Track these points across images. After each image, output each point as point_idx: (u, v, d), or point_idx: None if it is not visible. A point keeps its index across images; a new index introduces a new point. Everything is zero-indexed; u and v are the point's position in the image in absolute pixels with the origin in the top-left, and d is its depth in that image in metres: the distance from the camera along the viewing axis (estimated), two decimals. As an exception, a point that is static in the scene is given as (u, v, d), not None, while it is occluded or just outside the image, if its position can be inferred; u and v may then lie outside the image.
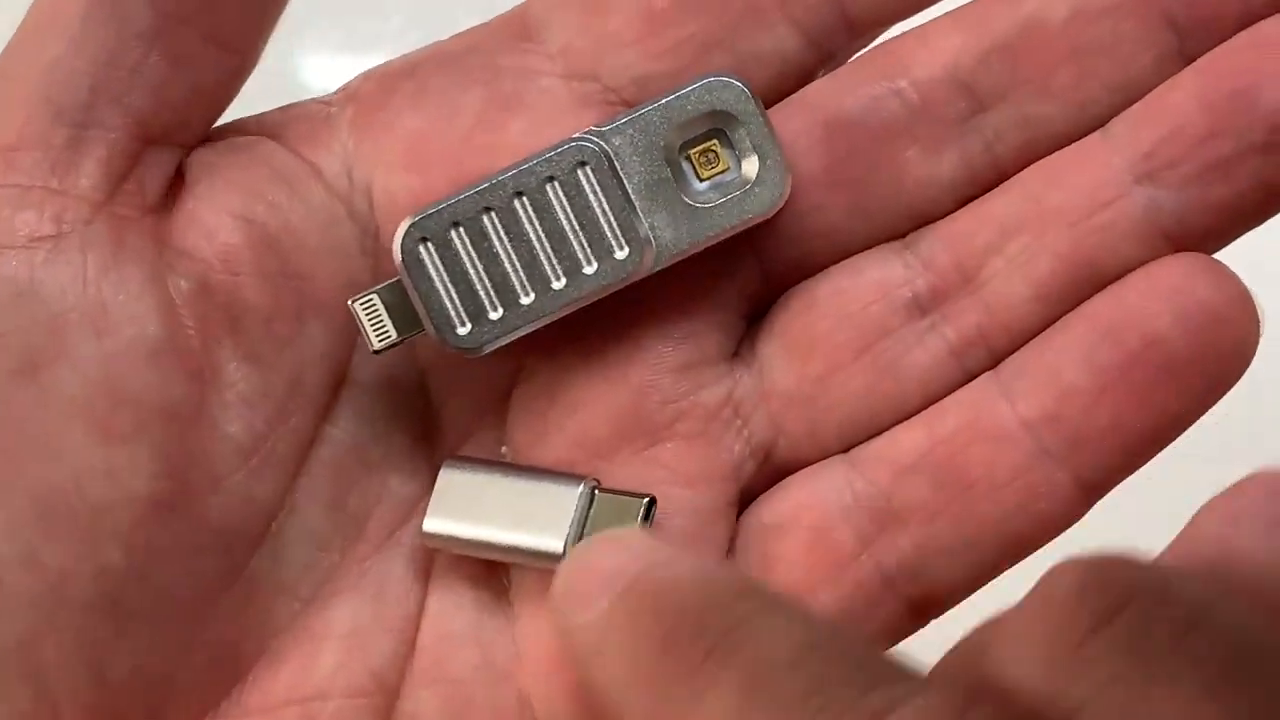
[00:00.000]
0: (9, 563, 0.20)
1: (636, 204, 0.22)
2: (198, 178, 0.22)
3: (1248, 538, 0.16)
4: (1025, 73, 0.22)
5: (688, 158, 0.22)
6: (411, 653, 0.22)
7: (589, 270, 0.22)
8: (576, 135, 0.22)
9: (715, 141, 0.22)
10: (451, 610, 0.23)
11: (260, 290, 0.21)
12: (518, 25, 0.23)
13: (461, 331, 0.21)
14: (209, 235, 0.21)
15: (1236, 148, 0.21)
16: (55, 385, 0.20)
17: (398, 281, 0.21)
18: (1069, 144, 0.22)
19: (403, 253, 0.21)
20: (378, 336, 0.21)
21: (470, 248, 0.21)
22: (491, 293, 0.22)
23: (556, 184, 0.21)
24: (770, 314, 0.23)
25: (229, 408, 0.21)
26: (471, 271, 0.21)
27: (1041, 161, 0.22)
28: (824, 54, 0.23)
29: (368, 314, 0.21)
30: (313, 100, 0.23)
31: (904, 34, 0.23)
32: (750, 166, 0.22)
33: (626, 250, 0.22)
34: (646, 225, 0.22)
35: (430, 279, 0.21)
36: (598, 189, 0.22)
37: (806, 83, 0.23)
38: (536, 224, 0.22)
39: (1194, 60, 0.22)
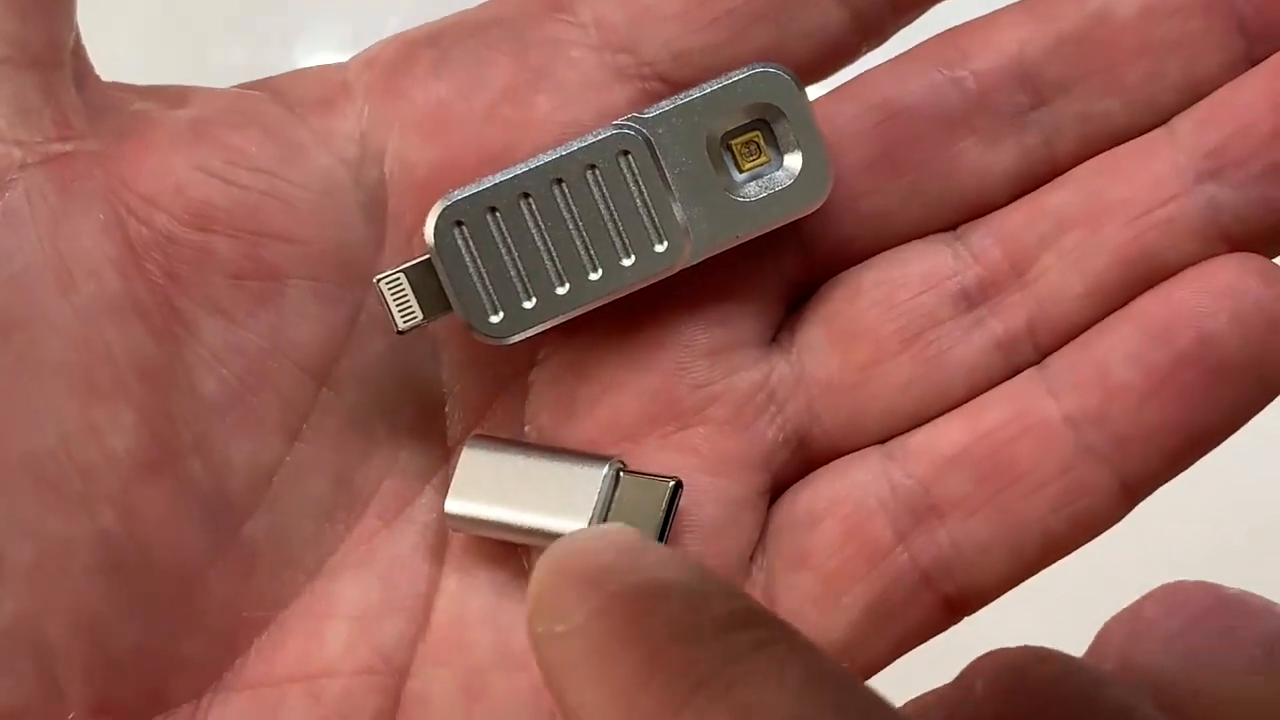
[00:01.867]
0: (9, 534, 0.20)
1: (677, 195, 0.21)
2: (174, 121, 0.21)
3: (1147, 652, 0.17)
4: (1090, 67, 0.22)
5: (729, 148, 0.22)
6: (423, 633, 0.22)
7: (627, 262, 0.21)
8: (619, 121, 0.21)
9: (758, 133, 0.22)
10: (467, 591, 0.22)
11: (233, 247, 0.21)
12: None
13: (494, 320, 0.21)
14: (178, 188, 0.21)
15: None
16: (30, 346, 0.20)
17: (427, 261, 0.21)
18: (1129, 139, 0.22)
19: (436, 234, 0.21)
20: (403, 317, 0.21)
21: (506, 234, 0.21)
22: (526, 281, 0.21)
23: (598, 172, 0.21)
24: (812, 300, 0.23)
25: (202, 364, 0.21)
26: (506, 258, 0.21)
27: (1101, 156, 0.22)
28: (869, 31, 0.22)
29: (393, 293, 0.21)
30: (329, 66, 0.23)
31: (970, 23, 0.22)
32: (793, 161, 0.22)
33: (665, 244, 0.21)
34: (685, 218, 0.21)
35: (463, 263, 0.21)
36: (639, 179, 0.21)
37: (851, 60, 0.23)
38: (575, 212, 0.21)
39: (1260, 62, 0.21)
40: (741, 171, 0.22)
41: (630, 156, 0.21)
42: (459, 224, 0.21)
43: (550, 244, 0.21)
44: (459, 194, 0.21)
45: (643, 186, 0.21)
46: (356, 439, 0.22)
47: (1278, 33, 0.21)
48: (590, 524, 0.21)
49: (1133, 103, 0.22)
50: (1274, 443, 0.27)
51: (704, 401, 0.22)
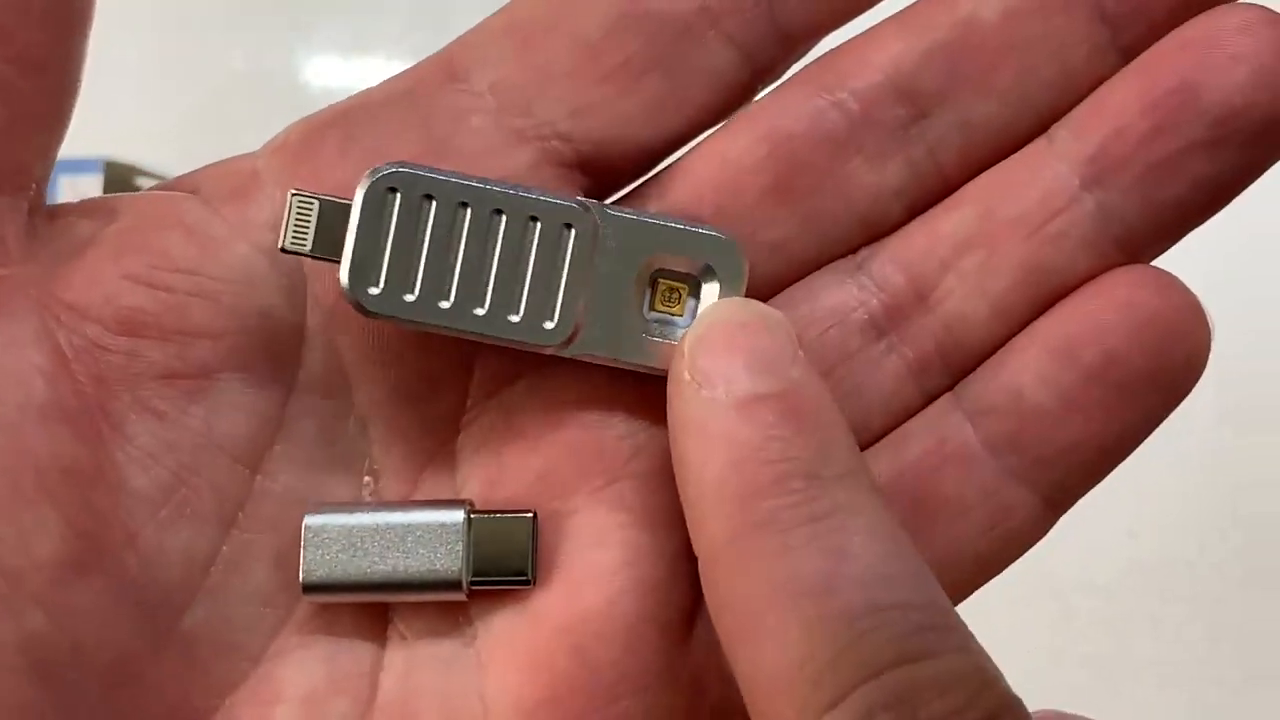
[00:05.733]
0: None
1: (591, 291, 0.21)
2: (103, 235, 0.21)
3: None
4: (963, 74, 0.22)
5: (654, 284, 0.22)
6: (370, 711, 0.22)
7: (512, 318, 0.21)
8: (582, 199, 0.21)
9: (685, 286, 0.22)
10: (412, 667, 0.22)
11: (162, 350, 0.21)
12: (446, 66, 0.22)
13: (371, 290, 0.21)
14: (108, 297, 0.21)
15: (1180, 145, 0.21)
16: None
17: (345, 205, 0.21)
18: (1011, 143, 0.22)
19: (368, 188, 0.21)
20: (293, 238, 0.21)
21: (430, 226, 0.21)
22: (420, 276, 0.21)
23: (537, 225, 0.21)
24: None
25: (133, 462, 0.21)
26: (416, 246, 0.21)
27: (989, 172, 0.22)
28: (761, 69, 0.23)
29: (299, 213, 0.21)
30: (240, 156, 0.23)
31: (844, 44, 0.23)
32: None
33: (554, 324, 0.21)
34: (584, 316, 0.21)
35: (377, 226, 0.21)
36: (567, 256, 0.21)
37: (748, 99, 0.23)
38: (498, 247, 0.21)
39: (1128, 50, 0.22)
40: (653, 309, 0.22)
41: (572, 231, 0.21)
42: (393, 190, 0.21)
43: (461, 260, 0.21)
44: (409, 166, 0.21)
45: (566, 264, 0.21)
46: (292, 523, 0.22)
47: (1141, 17, 0.22)
48: (461, 568, 0.21)
49: (1009, 104, 0.22)
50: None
51: (629, 453, 0.22)
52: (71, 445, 0.20)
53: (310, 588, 0.22)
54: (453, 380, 0.23)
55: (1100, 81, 0.22)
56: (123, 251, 0.21)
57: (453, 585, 0.21)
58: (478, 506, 0.22)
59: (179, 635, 0.21)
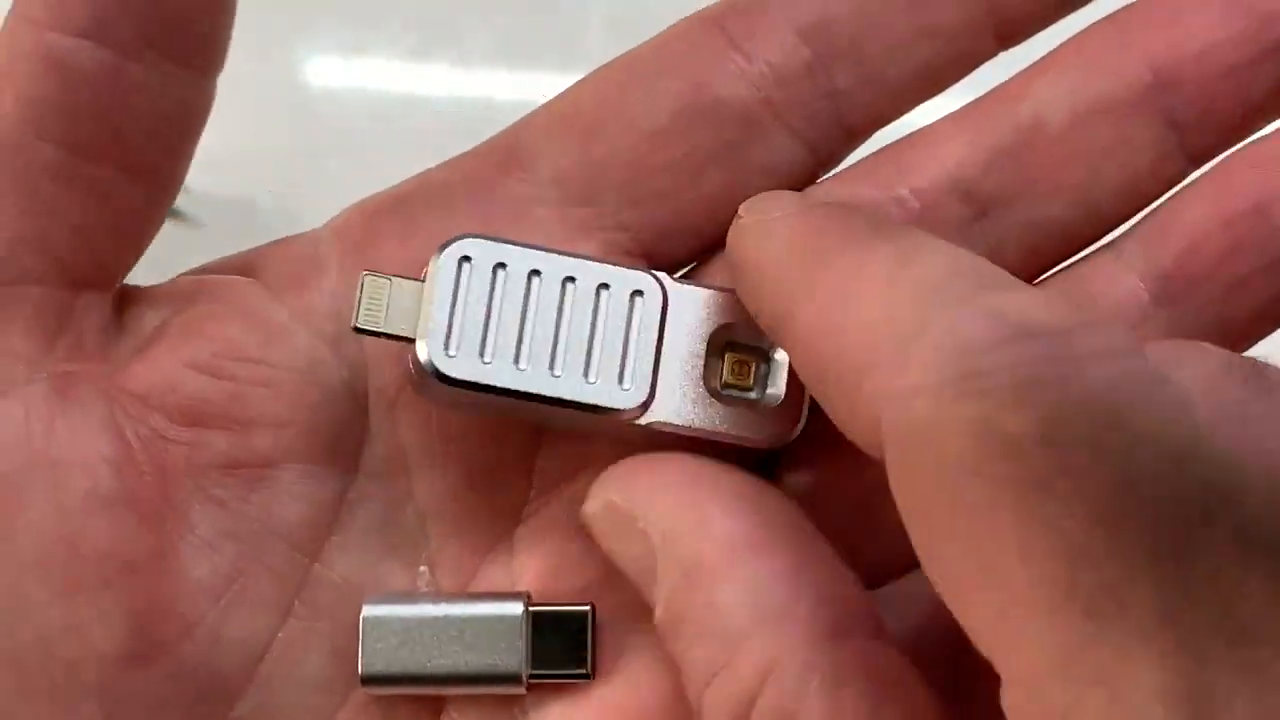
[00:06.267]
0: None
1: (662, 359, 0.21)
2: (168, 324, 0.22)
3: None
4: (1027, 178, 0.22)
5: (724, 357, 0.22)
6: None
7: (590, 382, 0.21)
8: (650, 269, 0.21)
9: (755, 360, 0.22)
10: None
11: (224, 439, 0.21)
12: (507, 153, 0.22)
13: (448, 354, 0.21)
14: (172, 387, 0.21)
15: (1256, 264, 0.21)
16: (11, 544, 0.20)
17: (418, 283, 0.21)
18: (1073, 247, 0.22)
19: (442, 257, 0.21)
20: (366, 317, 0.21)
21: (502, 294, 0.21)
22: (495, 340, 0.21)
23: (608, 294, 0.21)
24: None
25: (194, 551, 0.21)
26: (489, 313, 0.21)
27: (1054, 280, 0.22)
28: (825, 160, 0.23)
29: (372, 293, 0.21)
30: (300, 235, 0.23)
31: (905, 139, 0.23)
32: (774, 396, 0.22)
33: (631, 389, 0.21)
34: (659, 382, 0.21)
35: (451, 296, 0.21)
36: (639, 323, 0.21)
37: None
38: (570, 314, 0.21)
39: (1196, 157, 0.22)
40: (724, 385, 0.22)
41: (642, 299, 0.21)
42: (466, 259, 0.21)
43: (534, 326, 0.21)
44: (480, 236, 0.21)
45: (638, 332, 0.21)
46: (348, 611, 0.22)
47: (1209, 122, 0.22)
48: (521, 663, 0.21)
49: (1073, 208, 0.22)
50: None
51: None
52: (134, 535, 0.20)
53: (369, 680, 0.22)
54: (515, 471, 0.22)
55: (1166, 186, 0.22)
56: (186, 340, 0.21)
57: (513, 680, 0.21)
58: (535, 599, 0.22)
59: None
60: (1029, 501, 0.15)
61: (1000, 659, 0.15)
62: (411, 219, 0.22)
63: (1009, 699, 0.15)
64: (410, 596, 0.22)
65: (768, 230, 0.20)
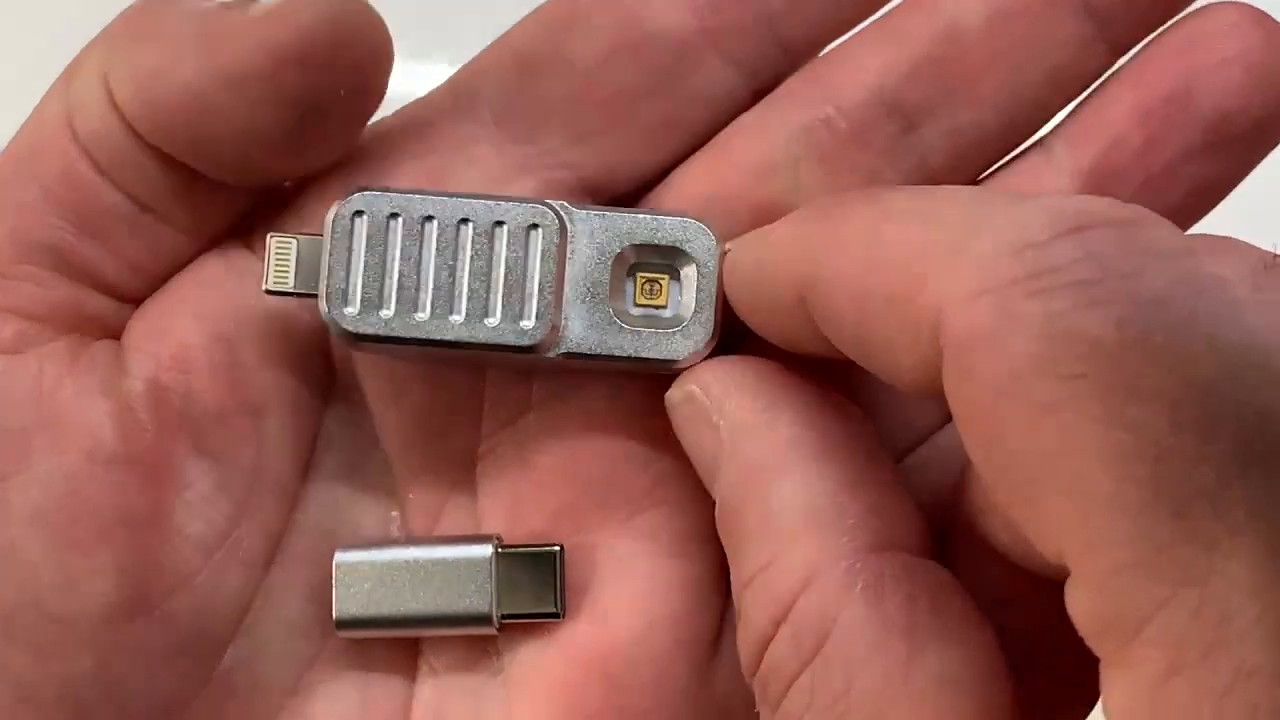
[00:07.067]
0: None
1: (566, 289, 0.21)
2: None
3: None
4: (950, 85, 0.22)
5: (634, 277, 0.22)
6: None
7: (490, 321, 0.21)
8: (545, 200, 0.21)
9: (666, 276, 0.22)
10: (443, 698, 0.22)
11: (215, 386, 0.21)
12: (451, 95, 0.22)
13: (349, 310, 0.21)
14: (162, 335, 0.21)
15: (1177, 154, 0.21)
16: (14, 498, 0.20)
17: (319, 238, 0.21)
18: (1004, 147, 0.22)
19: (335, 217, 0.21)
20: (276, 278, 0.21)
21: (398, 243, 0.21)
22: (394, 293, 0.21)
23: (505, 230, 0.21)
24: None
25: (189, 507, 0.21)
26: (387, 265, 0.21)
27: (987, 184, 0.22)
28: (764, 86, 0.22)
29: (279, 255, 0.21)
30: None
31: (823, 56, 0.23)
32: (685, 311, 0.21)
33: (532, 323, 0.21)
34: (563, 313, 0.21)
35: (348, 251, 0.21)
36: (538, 256, 0.21)
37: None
38: (467, 256, 0.21)
39: (1116, 44, 0.22)
40: (637, 305, 0.22)
41: (539, 231, 0.21)
42: (359, 213, 0.21)
43: (431, 272, 0.21)
44: (372, 189, 0.21)
45: (538, 265, 0.21)
46: (323, 556, 0.22)
47: (1125, 9, 0.22)
48: (490, 604, 0.22)
49: (1000, 109, 0.22)
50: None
51: (650, 482, 0.22)
52: (133, 492, 0.21)
53: (343, 624, 0.22)
54: (465, 412, 0.23)
55: (1090, 76, 0.22)
56: (169, 289, 0.22)
57: (483, 620, 0.22)
58: (504, 540, 0.22)
59: (219, 673, 0.21)
60: (1109, 402, 0.14)
61: (1078, 560, 0.15)
62: (359, 165, 0.22)
63: (1082, 602, 0.15)
64: (381, 541, 0.22)
65: (760, 238, 0.20)
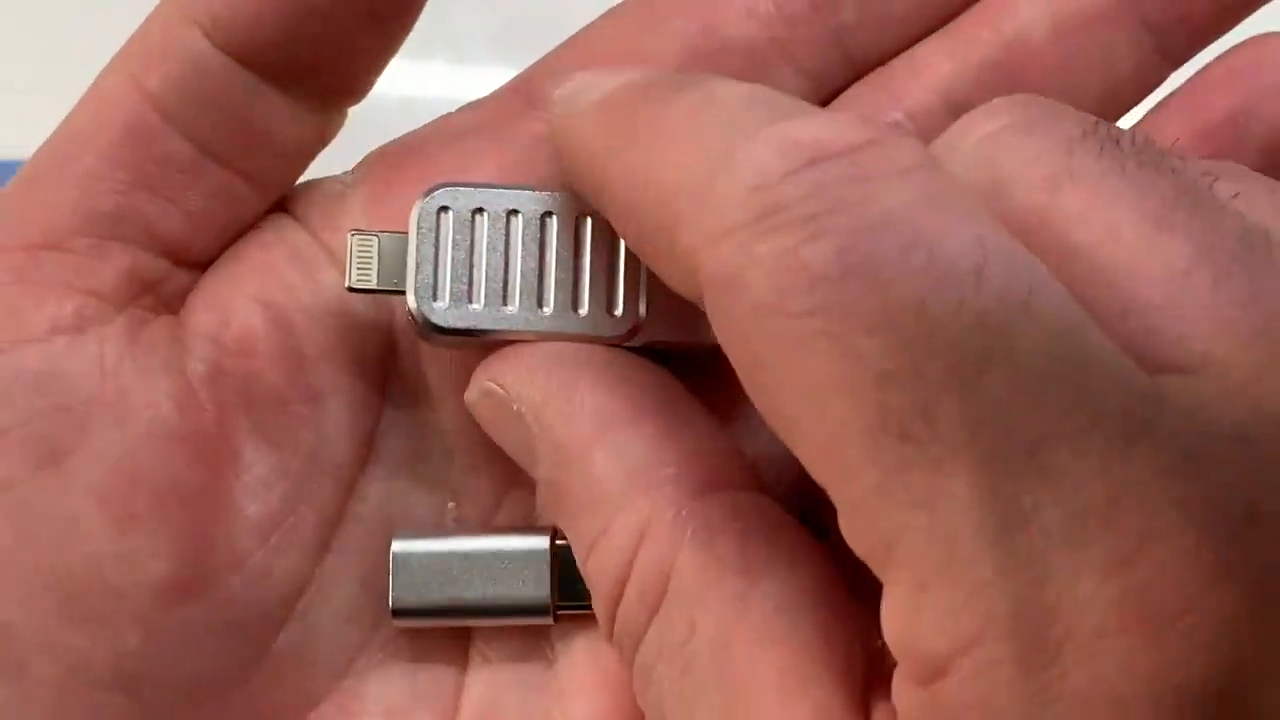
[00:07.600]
0: (30, 647, 0.20)
1: (644, 279, 0.21)
2: (220, 259, 0.22)
3: None
4: (1016, 90, 0.21)
5: None
6: None
7: (580, 312, 0.21)
8: None
9: None
10: (493, 687, 0.22)
11: (276, 372, 0.21)
12: (523, 93, 0.23)
13: (438, 305, 0.21)
14: (225, 319, 0.21)
15: None
16: (76, 473, 0.20)
17: (403, 236, 0.21)
18: None
19: (420, 213, 0.21)
20: (359, 276, 0.21)
21: (484, 238, 0.21)
22: (482, 285, 0.21)
23: (590, 222, 0.21)
24: None
25: (247, 489, 0.21)
26: (474, 259, 0.21)
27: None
28: (830, 95, 0.23)
29: (361, 252, 0.21)
30: (328, 178, 0.23)
31: (892, 63, 0.23)
32: None
33: (621, 312, 0.21)
34: (645, 303, 0.21)
35: (433, 247, 0.21)
36: (621, 247, 0.21)
37: None
38: (554, 248, 0.21)
39: (1174, 57, 0.22)
40: None
41: None
42: (444, 209, 0.21)
43: (519, 264, 0.21)
44: (456, 183, 0.21)
45: (621, 258, 0.21)
46: (378, 543, 0.22)
47: (1185, 24, 0.22)
48: (548, 594, 0.22)
49: None
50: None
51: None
52: (191, 471, 0.21)
53: (399, 612, 0.22)
54: None
55: (1147, 88, 0.23)
56: (236, 270, 0.22)
57: (541, 611, 0.22)
58: (531, 528, 0.22)
59: (270, 655, 0.21)
60: (835, 332, 0.15)
61: (834, 492, 0.15)
62: (428, 162, 0.22)
63: (844, 527, 0.15)
64: (438, 530, 0.22)
65: (579, 116, 0.20)
